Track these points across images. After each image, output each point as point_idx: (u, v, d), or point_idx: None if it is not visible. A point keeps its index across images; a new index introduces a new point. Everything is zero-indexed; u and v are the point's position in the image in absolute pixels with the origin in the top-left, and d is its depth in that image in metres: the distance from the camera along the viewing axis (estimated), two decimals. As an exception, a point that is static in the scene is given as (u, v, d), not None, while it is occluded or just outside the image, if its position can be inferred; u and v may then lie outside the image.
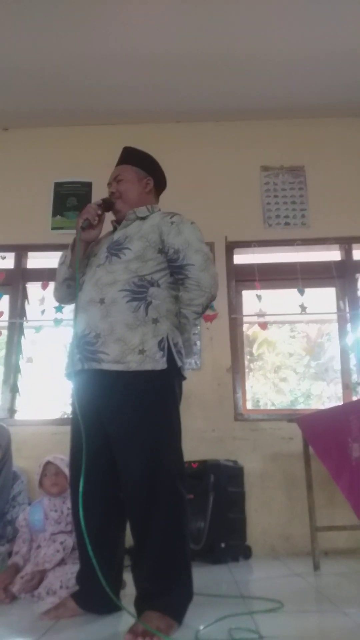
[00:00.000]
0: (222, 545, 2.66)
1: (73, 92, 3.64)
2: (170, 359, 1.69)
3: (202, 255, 1.79)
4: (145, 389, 1.64)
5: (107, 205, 1.93)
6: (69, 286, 1.95)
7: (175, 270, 1.81)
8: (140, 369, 1.64)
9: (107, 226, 1.97)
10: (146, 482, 1.58)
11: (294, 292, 3.56)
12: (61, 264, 1.95)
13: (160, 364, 1.67)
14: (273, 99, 3.71)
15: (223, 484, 2.80)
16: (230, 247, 3.64)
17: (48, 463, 2.27)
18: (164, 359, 1.68)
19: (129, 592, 2.02)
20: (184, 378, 1.79)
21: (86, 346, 1.69)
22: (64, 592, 1.94)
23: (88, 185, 3.85)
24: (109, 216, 1.97)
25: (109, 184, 2.01)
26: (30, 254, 3.81)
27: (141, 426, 1.61)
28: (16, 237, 3.73)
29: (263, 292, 3.51)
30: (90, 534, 1.58)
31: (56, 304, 3.48)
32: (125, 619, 1.60)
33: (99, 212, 1.88)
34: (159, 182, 2.07)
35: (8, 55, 3.26)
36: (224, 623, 1.55)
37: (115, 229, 1.97)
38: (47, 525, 2.16)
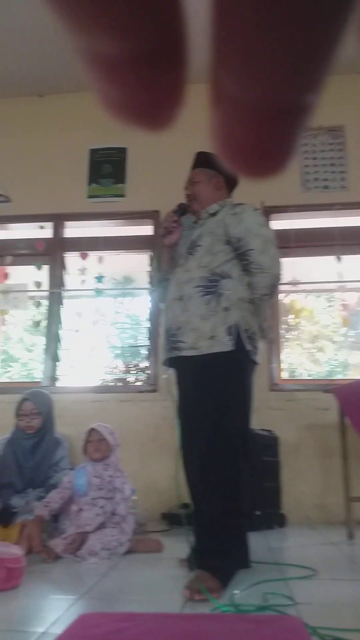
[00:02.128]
0: (257, 513, 2.71)
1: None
2: (239, 343, 1.85)
3: (262, 238, 1.90)
4: (215, 367, 1.84)
5: (182, 209, 2.10)
6: (165, 287, 2.15)
7: (240, 257, 1.93)
8: (210, 351, 1.84)
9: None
10: (209, 446, 1.78)
11: (331, 259, 3.47)
12: (153, 269, 2.21)
13: (228, 346, 1.84)
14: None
15: (258, 453, 2.83)
16: (267, 213, 3.56)
17: (92, 430, 2.35)
18: (231, 342, 1.84)
19: (165, 555, 2.11)
20: (255, 363, 1.94)
21: (171, 337, 1.96)
22: (105, 554, 2.05)
23: (123, 151, 3.81)
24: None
25: (186, 188, 2.16)
26: (67, 223, 3.84)
27: (210, 398, 1.82)
28: (53, 207, 3.75)
29: (299, 260, 3.43)
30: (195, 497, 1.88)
31: (96, 274, 3.58)
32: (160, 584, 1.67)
33: (175, 218, 2.06)
34: (229, 179, 2.16)
35: (42, 20, 3.20)
36: (258, 588, 1.60)
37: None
38: (89, 490, 2.26)
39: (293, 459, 3.14)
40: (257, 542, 2.32)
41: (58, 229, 3.79)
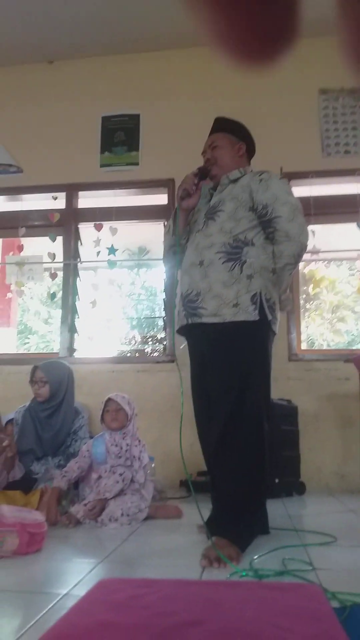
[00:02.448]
0: (276, 480, 2.71)
1: (115, 20, 3.42)
2: (262, 312, 1.82)
3: (290, 206, 1.86)
4: (238, 336, 1.81)
5: (203, 173, 2.02)
6: (175, 252, 2.09)
7: (265, 225, 1.88)
8: (234, 319, 1.81)
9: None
10: (233, 414, 1.76)
11: (352, 226, 3.37)
12: (166, 232, 2.12)
13: (253, 315, 1.81)
14: (330, 9, 3.34)
15: (277, 422, 2.81)
16: (286, 179, 3.45)
17: (109, 400, 2.35)
18: (256, 311, 1.81)
19: (185, 521, 2.12)
20: (274, 333, 1.91)
21: (189, 303, 1.90)
22: (125, 519, 2.07)
23: (136, 117, 3.71)
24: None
25: (204, 152, 2.10)
26: (80, 193, 3.78)
27: (233, 367, 1.79)
28: (66, 177, 3.69)
29: (320, 228, 3.34)
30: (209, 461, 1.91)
31: (109, 245, 3.54)
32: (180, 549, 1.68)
33: (196, 181, 1.99)
34: (250, 147, 2.14)
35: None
36: (277, 554, 1.60)
37: (212, 196, 2.07)
38: (108, 459, 2.27)
39: (312, 428, 3.12)
40: (276, 510, 2.33)
41: (71, 199, 3.74)
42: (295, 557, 1.55)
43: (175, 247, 2.06)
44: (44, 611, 1.13)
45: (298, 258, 1.89)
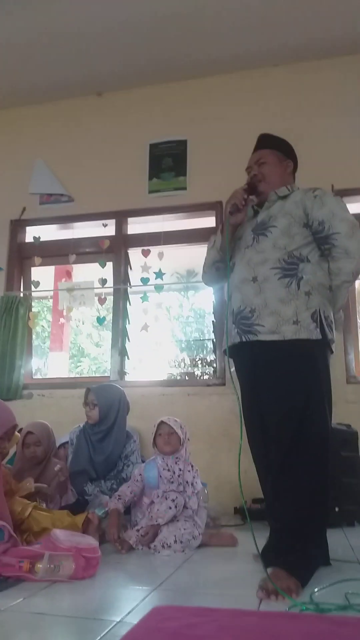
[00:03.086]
0: (336, 509, 2.57)
1: (159, 49, 3.53)
2: (322, 331, 1.77)
3: (348, 222, 1.81)
4: (300, 355, 1.74)
5: (252, 188, 1.98)
6: (218, 269, 2.06)
7: (321, 241, 1.84)
8: (295, 337, 1.73)
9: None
10: (296, 438, 1.67)
11: None
12: (210, 248, 2.07)
13: (315, 334, 1.75)
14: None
15: (336, 448, 2.69)
16: (338, 196, 3.38)
17: (162, 423, 2.33)
18: (318, 330, 1.76)
19: (240, 550, 2.05)
20: (332, 352, 1.86)
21: (242, 320, 1.82)
22: (179, 546, 2.02)
23: (183, 143, 3.77)
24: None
25: (249, 168, 2.06)
26: (129, 219, 3.86)
27: (294, 387, 1.71)
28: (116, 204, 3.78)
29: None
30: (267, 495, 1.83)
31: (157, 269, 3.58)
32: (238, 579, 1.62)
33: (245, 196, 1.94)
34: (295, 165, 2.11)
35: (98, 16, 3.23)
36: (339, 587, 1.51)
37: (256, 212, 2.03)
38: (160, 484, 2.24)
39: (374, 453, 2.96)
40: (337, 540, 2.20)
41: (121, 225, 3.82)
42: (358, 591, 1.44)
43: (219, 263, 2.03)
44: (98, 638, 1.11)
45: (356, 275, 1.85)
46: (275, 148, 2.06)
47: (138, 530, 2.09)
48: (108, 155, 3.90)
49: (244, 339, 1.81)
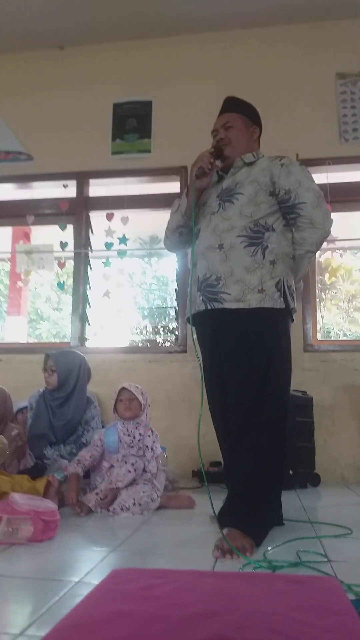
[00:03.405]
0: (290, 472, 2.67)
1: (127, 5, 3.36)
2: (286, 300, 1.79)
3: (314, 192, 1.82)
4: (264, 323, 1.77)
5: (218, 152, 1.95)
6: (181, 234, 2.03)
7: (287, 211, 1.84)
8: (260, 305, 1.75)
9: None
10: (256, 403, 1.71)
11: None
12: (174, 212, 2.03)
13: (279, 303, 1.78)
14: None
15: (291, 414, 2.77)
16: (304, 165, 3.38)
17: (123, 389, 2.33)
18: (282, 299, 1.78)
19: (197, 512, 2.10)
20: (292, 320, 1.89)
21: (208, 288, 1.82)
22: (137, 509, 2.05)
23: (148, 104, 3.65)
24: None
25: (215, 131, 2.02)
26: (91, 181, 3.74)
27: (257, 354, 1.74)
28: (77, 164, 3.65)
29: (336, 215, 3.26)
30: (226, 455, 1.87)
31: (120, 235, 3.51)
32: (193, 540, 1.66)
33: (212, 160, 1.91)
34: (260, 131, 2.09)
35: None
36: (291, 545, 1.58)
37: (221, 178, 2.00)
38: (120, 448, 2.26)
39: (328, 420, 3.08)
40: (291, 501, 2.30)
41: (82, 187, 3.70)
42: (309, 549, 1.52)
43: (183, 229, 2.00)
44: (57, 598, 1.13)
45: (319, 246, 1.88)
46: (242, 113, 2.02)
47: (97, 494, 2.11)
48: (70, 113, 3.73)
49: (209, 307, 1.82)
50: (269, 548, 1.55)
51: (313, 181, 1.86)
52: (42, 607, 1.07)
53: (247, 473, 1.69)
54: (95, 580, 1.23)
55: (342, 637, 0.83)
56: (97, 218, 3.73)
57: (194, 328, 1.97)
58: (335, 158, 3.35)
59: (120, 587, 1.06)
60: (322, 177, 3.31)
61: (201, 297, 1.84)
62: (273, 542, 1.60)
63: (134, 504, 2.06)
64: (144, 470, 2.20)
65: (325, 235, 1.84)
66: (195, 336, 1.97)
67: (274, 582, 1.15)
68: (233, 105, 2.04)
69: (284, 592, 1.06)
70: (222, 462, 2.00)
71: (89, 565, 1.37)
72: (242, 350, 1.76)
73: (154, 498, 2.13)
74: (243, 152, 1.96)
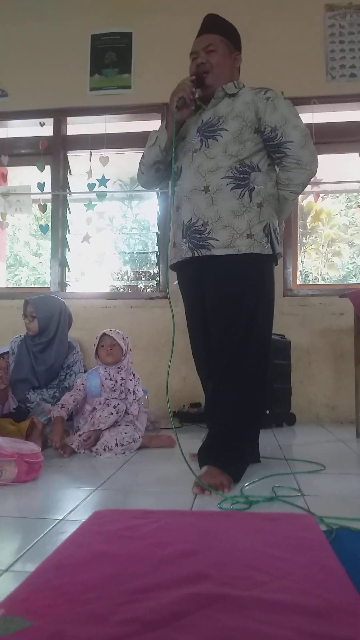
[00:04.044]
0: (267, 412, 2.77)
1: None
2: (272, 245, 1.76)
3: (301, 131, 1.74)
4: (252, 269, 1.74)
5: (199, 81, 1.80)
6: (159, 170, 1.91)
7: (273, 150, 1.77)
8: (250, 251, 1.71)
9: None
10: (239, 348, 1.72)
11: (354, 157, 3.23)
12: (151, 146, 1.89)
13: (267, 249, 1.75)
14: None
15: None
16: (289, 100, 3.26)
17: (104, 335, 2.34)
18: (269, 244, 1.75)
19: (177, 450, 2.18)
20: (276, 264, 1.87)
21: (195, 234, 1.74)
22: (119, 449, 2.12)
23: (128, 36, 3.44)
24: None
25: (195, 54, 1.83)
26: (69, 119, 3.58)
27: (244, 301, 1.73)
28: (54, 101, 3.47)
29: (321, 158, 3.19)
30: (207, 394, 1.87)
31: (100, 176, 3.39)
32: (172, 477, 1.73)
33: (193, 89, 1.77)
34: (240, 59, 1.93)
35: None
36: (267, 481, 1.65)
37: (198, 108, 1.87)
38: (102, 392, 2.30)
39: (305, 362, 3.16)
40: (267, 440, 2.39)
41: (59, 125, 3.54)
42: (284, 485, 1.59)
43: (161, 165, 1.88)
44: (42, 535, 1.17)
45: (304, 187, 1.82)
46: (225, 35, 1.84)
47: (80, 435, 2.16)
48: (45, 45, 3.51)
49: (196, 254, 1.76)
50: (246, 484, 1.61)
51: (299, 118, 1.77)
52: (27, 544, 1.12)
53: (227, 413, 1.72)
54: (78, 517, 1.28)
55: (318, 571, 0.87)
56: (75, 158, 3.59)
57: (174, 274, 1.94)
58: (322, 97, 3.24)
59: (102, 528, 1.11)
60: (307, 117, 3.20)
61: (187, 244, 1.77)
62: (250, 479, 1.67)
63: (116, 444, 2.13)
64: (126, 413, 2.25)
65: (311, 175, 1.78)
66: (176, 282, 1.96)
67: (251, 520, 1.21)
68: (216, 26, 1.85)
69: (261, 530, 1.12)
70: (205, 404, 2.03)
71: (72, 504, 1.43)
72: (229, 296, 1.74)
73: (135, 438, 2.20)
74: (225, 81, 1.82)
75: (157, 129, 1.90)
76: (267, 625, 0.69)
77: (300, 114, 3.00)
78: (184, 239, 1.78)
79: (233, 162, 1.73)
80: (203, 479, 1.56)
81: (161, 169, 1.91)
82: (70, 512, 1.35)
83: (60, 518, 1.30)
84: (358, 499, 1.52)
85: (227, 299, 1.75)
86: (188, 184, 1.77)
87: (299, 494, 1.52)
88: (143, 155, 1.93)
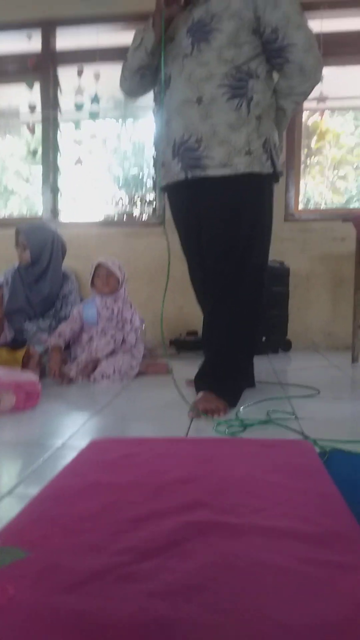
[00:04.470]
0: (263, 338, 2.78)
1: None
2: (273, 162, 1.64)
3: (305, 32, 1.55)
4: (251, 190, 1.63)
5: None
6: (144, 76, 1.72)
7: (274, 54, 1.59)
8: (248, 170, 1.59)
9: None
10: (236, 272, 1.66)
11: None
12: (136, 48, 1.68)
13: (267, 167, 1.62)
14: None
15: (268, 283, 2.79)
16: None
17: (99, 265, 2.30)
18: (269, 162, 1.63)
19: (174, 377, 2.20)
20: (277, 182, 1.75)
21: (187, 152, 1.60)
22: (117, 376, 2.15)
23: None
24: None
25: None
26: (58, 30, 3.30)
27: (241, 224, 1.63)
28: (41, 11, 3.19)
29: (327, 71, 2.97)
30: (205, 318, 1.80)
31: (92, 94, 3.17)
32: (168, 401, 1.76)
33: None
34: None
35: None
36: (262, 405, 1.68)
37: (187, 3, 1.63)
38: (99, 321, 2.29)
39: (303, 289, 3.14)
40: (263, 365, 2.42)
41: (48, 38, 3.27)
42: (279, 409, 1.62)
43: (146, 70, 1.70)
44: (42, 460, 1.20)
45: (307, 97, 1.69)
46: None
47: (78, 364, 2.18)
48: None
49: (189, 176, 1.63)
50: (241, 408, 1.64)
51: (304, 16, 1.57)
52: (28, 468, 1.15)
53: (222, 338, 1.71)
54: (77, 442, 1.31)
55: (315, 498, 0.88)
56: (66, 74, 3.35)
57: (167, 198, 1.85)
58: (332, 2, 2.95)
59: (99, 457, 1.12)
60: (315, 24, 2.93)
61: (179, 164, 1.63)
62: (245, 403, 1.70)
63: (114, 371, 2.15)
64: (123, 341, 2.26)
65: (315, 84, 1.63)
66: (167, 205, 1.86)
67: (248, 447, 1.21)
68: None
69: (258, 456, 1.12)
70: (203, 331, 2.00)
71: (71, 430, 1.46)
72: (225, 220, 1.65)
73: (133, 366, 2.23)
74: None
75: (142, 28, 1.67)
76: (266, 551, 0.70)
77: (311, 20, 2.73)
78: (175, 158, 1.63)
79: (229, 69, 1.55)
80: (199, 404, 1.58)
81: (147, 75, 1.71)
82: (70, 437, 1.39)
83: (60, 443, 1.33)
84: (351, 422, 1.56)
85: (222, 224, 1.66)
86: (179, 95, 1.60)
87: (294, 417, 1.55)
88: (126, 58, 1.74)
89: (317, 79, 1.62)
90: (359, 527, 0.77)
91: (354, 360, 2.58)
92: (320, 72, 1.62)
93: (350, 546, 0.72)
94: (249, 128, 1.58)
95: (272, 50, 1.59)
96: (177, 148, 1.62)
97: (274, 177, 1.70)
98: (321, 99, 3.04)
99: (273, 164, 1.65)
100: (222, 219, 1.66)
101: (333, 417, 1.59)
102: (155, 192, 3.35)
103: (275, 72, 1.66)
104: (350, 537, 0.74)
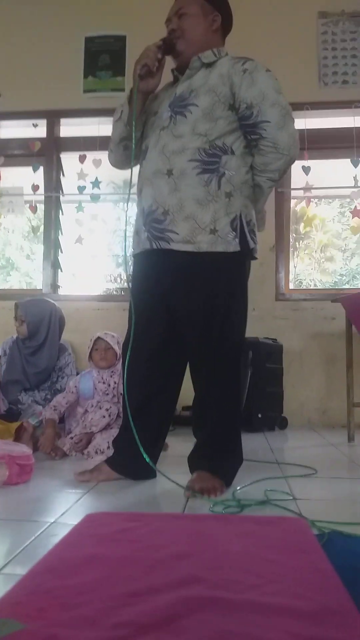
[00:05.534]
0: (259, 415, 2.77)
1: None
2: (243, 240, 1.59)
3: (280, 109, 1.54)
4: (215, 269, 1.57)
5: (168, 46, 1.62)
6: (127, 147, 1.72)
7: (249, 130, 1.58)
8: (211, 250, 1.55)
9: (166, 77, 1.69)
10: (214, 357, 1.62)
11: (347, 163, 3.26)
12: (117, 120, 1.72)
13: (233, 245, 1.57)
14: None
15: (261, 361, 2.85)
16: (271, 72, 3.25)
17: (98, 339, 2.33)
18: (237, 240, 1.57)
19: (170, 453, 2.17)
20: (254, 258, 1.71)
21: (154, 224, 1.58)
22: (111, 451, 2.10)
23: (122, 39, 3.46)
24: (169, 65, 1.68)
25: (168, 21, 1.68)
26: (62, 120, 3.58)
27: (212, 310, 1.59)
28: (47, 103, 3.47)
29: (312, 163, 3.22)
30: (133, 400, 1.69)
31: (93, 178, 3.39)
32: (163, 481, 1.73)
33: (159, 55, 1.59)
34: (227, 20, 1.73)
35: None
36: (259, 485, 1.65)
37: (176, 80, 1.70)
38: (95, 395, 2.28)
39: (297, 366, 3.18)
40: (259, 443, 2.39)
41: (53, 127, 3.54)
42: (276, 489, 1.59)
43: (128, 142, 1.68)
44: (33, 537, 1.16)
45: (283, 174, 1.64)
46: None
47: (72, 438, 2.15)
48: (39, 47, 3.52)
49: (154, 246, 1.59)
50: (238, 488, 1.61)
51: (281, 93, 1.56)
52: (18, 546, 1.10)
53: (213, 418, 1.68)
54: (70, 520, 1.27)
55: (310, 574, 0.87)
56: (68, 160, 3.59)
57: (133, 266, 1.75)
58: (314, 103, 3.26)
59: (94, 531, 1.10)
60: (300, 122, 3.23)
61: (146, 234, 1.60)
62: (242, 483, 1.66)
63: (109, 447, 2.11)
64: (118, 416, 2.24)
65: (290, 162, 1.60)
66: (130, 273, 1.76)
67: (244, 523, 1.20)
68: None
69: (254, 533, 1.11)
70: (129, 407, 1.72)
71: (64, 507, 1.42)
72: (194, 303, 1.59)
73: (127, 442, 2.19)
74: (200, 46, 1.62)
75: (122, 102, 1.71)
76: (261, 628, 0.69)
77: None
78: (144, 227, 1.61)
79: (202, 143, 1.55)
80: (195, 484, 1.54)
81: (129, 147, 1.69)
82: (62, 514, 1.34)
83: (52, 521, 1.29)
84: (349, 503, 1.53)
85: (192, 307, 1.60)
86: (152, 166, 1.60)
87: (291, 497, 1.52)
88: (112, 132, 1.77)
89: (291, 155, 1.58)
90: (353, 603, 0.76)
91: (350, 439, 2.57)
92: (295, 149, 1.58)
93: (344, 622, 0.71)
94: (217, 205, 1.55)
95: (247, 126, 1.58)
96: (146, 217, 1.61)
97: (246, 255, 1.64)
98: (307, 188, 3.26)
99: (243, 242, 1.59)
100: (191, 303, 1.60)
101: (331, 498, 1.57)
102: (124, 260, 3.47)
103: (252, 148, 1.64)
104: (344, 613, 0.73)
